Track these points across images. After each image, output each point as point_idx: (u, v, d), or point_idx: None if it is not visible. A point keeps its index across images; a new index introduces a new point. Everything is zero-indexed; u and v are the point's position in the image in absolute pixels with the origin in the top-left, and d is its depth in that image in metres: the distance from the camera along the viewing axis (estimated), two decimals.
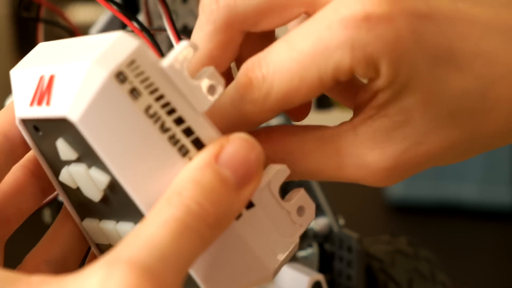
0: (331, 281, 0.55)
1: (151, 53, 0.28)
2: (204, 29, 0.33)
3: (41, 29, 0.50)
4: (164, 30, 0.40)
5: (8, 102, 0.49)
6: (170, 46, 0.46)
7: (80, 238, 0.34)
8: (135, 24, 0.39)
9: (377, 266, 0.57)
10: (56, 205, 0.59)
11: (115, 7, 0.38)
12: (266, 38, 0.34)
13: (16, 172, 0.33)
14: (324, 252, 0.56)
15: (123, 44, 0.28)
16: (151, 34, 0.38)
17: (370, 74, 0.29)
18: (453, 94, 0.30)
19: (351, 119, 0.31)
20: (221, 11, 0.32)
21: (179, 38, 0.38)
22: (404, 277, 0.57)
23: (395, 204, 1.25)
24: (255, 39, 0.33)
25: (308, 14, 0.31)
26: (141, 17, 0.51)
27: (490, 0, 0.31)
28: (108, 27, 0.55)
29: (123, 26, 0.54)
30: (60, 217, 0.35)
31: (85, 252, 0.35)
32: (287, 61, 0.30)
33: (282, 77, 0.30)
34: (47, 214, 0.59)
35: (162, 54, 0.37)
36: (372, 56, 0.29)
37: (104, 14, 0.56)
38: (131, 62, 0.28)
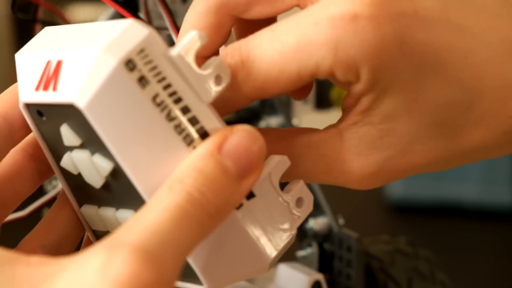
0: (330, 281, 0.55)
1: (160, 41, 0.29)
2: (197, 8, 0.33)
3: (38, 30, 0.50)
4: (164, 28, 0.40)
5: None
6: (171, 44, 0.46)
7: (76, 224, 0.34)
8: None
9: (377, 265, 0.57)
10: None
11: (117, 5, 0.38)
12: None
13: (15, 155, 0.34)
14: (323, 252, 0.56)
15: (133, 32, 0.28)
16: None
17: (349, 77, 0.29)
18: (438, 103, 0.30)
19: (338, 123, 0.31)
20: None
21: None
22: (403, 277, 0.57)
23: (395, 204, 1.25)
24: (253, 27, 0.33)
25: (300, 8, 0.31)
26: (141, 17, 0.51)
27: (485, 9, 0.30)
28: None
29: None
30: (57, 203, 0.35)
31: (81, 238, 0.35)
32: (269, 51, 0.30)
33: (261, 66, 0.30)
34: (45, 210, 0.59)
35: None
36: (355, 59, 0.29)
37: (104, 14, 0.56)
38: (141, 51, 0.28)
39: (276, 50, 0.30)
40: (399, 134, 0.30)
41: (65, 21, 0.53)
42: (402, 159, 0.31)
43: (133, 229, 0.26)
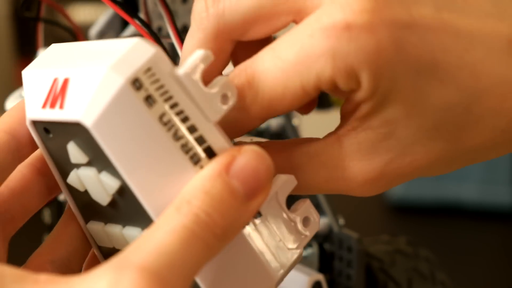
0: (331, 281, 0.55)
1: (167, 60, 0.29)
2: (194, 37, 0.33)
3: (41, 28, 0.50)
4: (168, 37, 0.39)
5: (8, 102, 0.49)
6: (172, 50, 0.46)
7: (84, 239, 0.34)
8: (137, 22, 0.39)
9: (377, 265, 0.57)
10: (56, 205, 0.59)
11: (117, 6, 0.38)
12: (264, 46, 0.34)
13: (23, 170, 0.34)
14: (324, 252, 0.56)
15: (139, 51, 0.28)
16: (153, 31, 0.38)
17: (351, 85, 0.29)
18: (437, 106, 0.30)
19: (336, 130, 0.31)
20: (210, 20, 0.32)
21: (180, 39, 0.38)
22: (403, 277, 0.57)
23: (395, 204, 1.25)
24: (253, 47, 0.33)
25: (296, 23, 0.31)
26: (140, 17, 0.50)
27: (476, 10, 0.30)
28: (108, 27, 0.55)
29: (123, 26, 0.54)
30: (64, 218, 0.35)
31: (89, 253, 0.35)
32: (272, 69, 0.30)
33: (266, 85, 0.30)
34: (46, 215, 0.59)
35: (167, 53, 0.37)
36: (353, 67, 0.29)
37: (104, 14, 0.56)
38: (148, 70, 0.28)
39: (278, 67, 0.30)
40: (399, 137, 0.30)
41: (67, 19, 0.53)
42: (403, 162, 0.31)
43: (141, 249, 0.26)
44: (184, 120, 0.29)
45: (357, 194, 0.32)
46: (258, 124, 0.32)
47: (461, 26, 0.30)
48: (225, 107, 0.29)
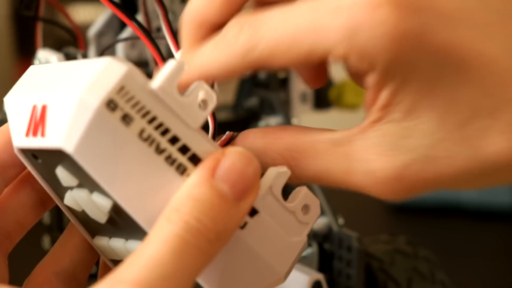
0: (330, 281, 0.55)
1: (140, 76, 0.29)
2: None
3: (40, 28, 0.50)
4: (163, 38, 0.39)
5: None
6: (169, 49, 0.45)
7: (88, 249, 0.34)
8: (134, 24, 0.39)
9: (377, 265, 0.57)
10: (55, 206, 0.58)
11: (115, 7, 0.38)
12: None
13: (16, 186, 0.34)
14: (323, 252, 0.56)
15: (111, 70, 0.28)
16: (150, 34, 0.38)
17: (363, 65, 0.28)
18: (461, 103, 0.29)
19: (362, 123, 0.30)
20: None
21: (175, 39, 0.38)
22: (403, 277, 0.56)
23: (395, 204, 1.25)
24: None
25: None
26: (139, 17, 0.50)
27: (506, 17, 0.29)
28: (107, 27, 0.55)
29: (121, 27, 0.54)
30: (68, 229, 0.35)
31: (95, 263, 0.35)
32: (283, 24, 0.29)
33: (272, 37, 0.29)
34: (46, 215, 0.58)
35: (161, 55, 0.37)
36: (374, 48, 0.28)
37: (103, 14, 0.56)
38: (121, 89, 0.28)
39: (292, 23, 0.29)
40: (422, 134, 0.29)
41: (67, 18, 0.53)
42: (425, 165, 0.29)
43: (134, 264, 0.26)
44: (165, 132, 0.29)
45: (374, 193, 0.31)
46: (245, 72, 0.31)
47: (492, 31, 0.29)
48: (205, 113, 0.29)
